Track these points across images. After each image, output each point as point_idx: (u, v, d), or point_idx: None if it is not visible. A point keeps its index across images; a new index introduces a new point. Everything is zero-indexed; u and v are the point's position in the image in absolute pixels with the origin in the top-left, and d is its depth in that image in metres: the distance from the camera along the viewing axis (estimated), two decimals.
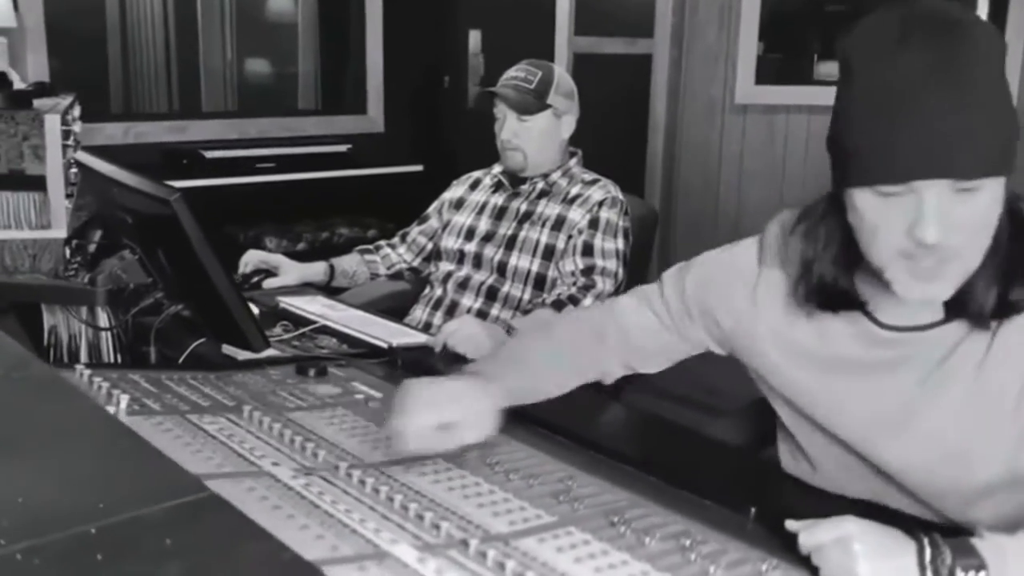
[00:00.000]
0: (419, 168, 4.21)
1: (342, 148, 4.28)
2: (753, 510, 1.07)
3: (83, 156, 1.62)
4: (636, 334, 1.31)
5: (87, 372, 1.26)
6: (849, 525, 0.92)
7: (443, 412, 1.10)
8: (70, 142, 2.12)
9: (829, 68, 4.95)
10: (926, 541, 0.90)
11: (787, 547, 0.98)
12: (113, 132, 3.93)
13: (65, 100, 2.39)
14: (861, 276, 1.12)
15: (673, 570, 0.91)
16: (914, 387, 1.12)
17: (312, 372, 1.46)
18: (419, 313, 2.03)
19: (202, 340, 1.60)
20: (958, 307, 1.07)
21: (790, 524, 0.97)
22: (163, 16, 5.07)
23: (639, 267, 2.11)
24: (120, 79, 5.07)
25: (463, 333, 1.57)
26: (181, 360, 1.58)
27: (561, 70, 2.03)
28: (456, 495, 1.04)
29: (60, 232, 1.91)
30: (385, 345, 1.60)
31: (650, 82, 4.59)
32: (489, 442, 1.21)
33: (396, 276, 2.20)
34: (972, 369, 1.09)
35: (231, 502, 0.87)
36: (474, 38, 4.62)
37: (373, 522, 0.92)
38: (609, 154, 4.87)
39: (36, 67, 3.62)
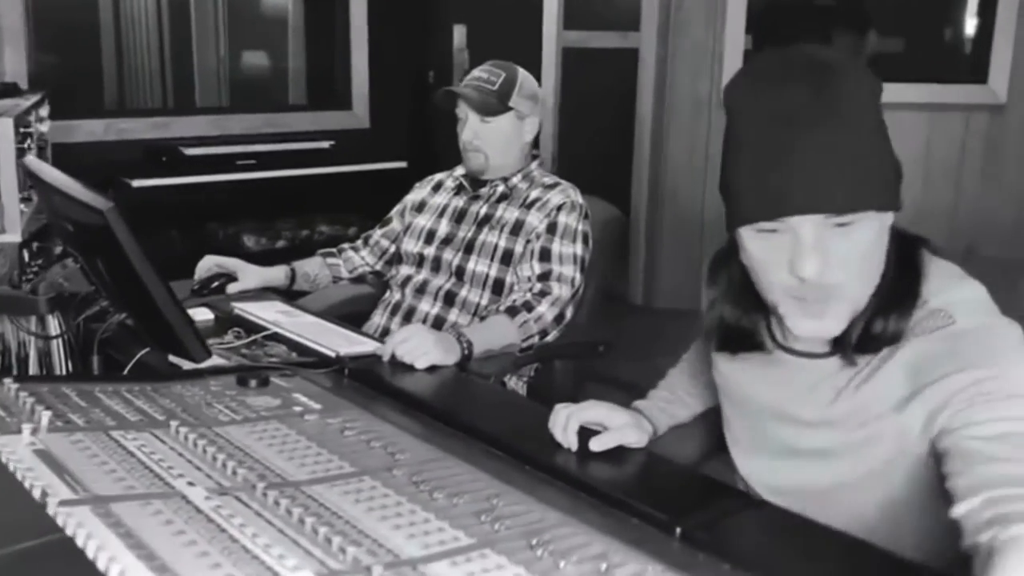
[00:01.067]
0: (403, 165, 4.19)
1: (325, 145, 4.26)
2: (679, 530, 1.05)
3: (30, 161, 1.60)
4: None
5: (14, 387, 1.25)
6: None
7: (595, 417, 1.25)
8: (27, 144, 2.10)
9: None
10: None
11: (711, 565, 0.97)
12: (94, 129, 3.91)
13: (28, 101, 2.37)
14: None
15: None
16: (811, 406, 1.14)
17: (253, 383, 1.44)
18: (378, 318, 2.01)
19: (148, 349, 1.58)
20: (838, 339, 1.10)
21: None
22: (156, 12, 5.07)
23: (606, 270, 2.09)
24: (114, 75, 5.07)
25: (411, 343, 1.55)
26: (127, 370, 1.56)
27: (526, 73, 2.00)
28: (374, 516, 1.02)
29: (14, 236, 1.90)
30: (333, 354, 1.58)
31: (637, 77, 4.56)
32: (423, 458, 1.20)
33: (359, 279, 2.18)
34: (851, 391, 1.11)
35: (130, 528, 0.86)
36: (459, 33, 4.60)
37: (279, 547, 0.91)
38: (596, 149, 4.85)
39: (14, 65, 3.60)
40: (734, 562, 0.98)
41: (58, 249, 2.07)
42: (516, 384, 1.93)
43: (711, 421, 1.47)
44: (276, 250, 3.67)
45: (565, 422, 1.24)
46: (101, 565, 0.83)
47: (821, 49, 1.06)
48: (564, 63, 4.82)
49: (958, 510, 0.89)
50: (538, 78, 5.20)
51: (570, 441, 1.23)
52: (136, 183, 3.51)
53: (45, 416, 1.15)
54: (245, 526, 0.94)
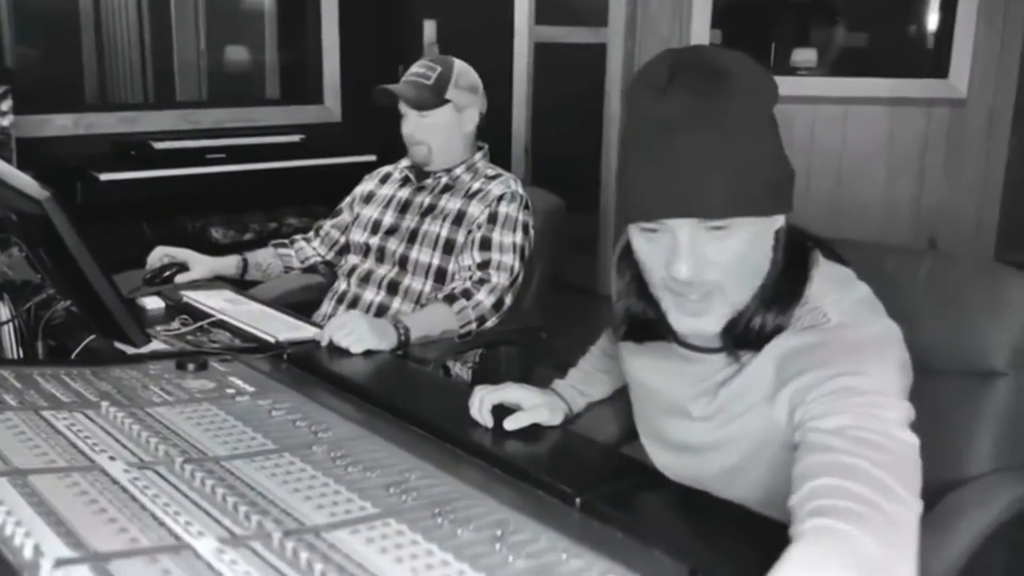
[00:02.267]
0: (373, 158, 4.23)
1: (295, 138, 4.30)
2: (579, 501, 1.11)
3: None
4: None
5: None
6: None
7: (509, 397, 1.33)
8: None
9: (805, 55, 4.99)
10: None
11: (606, 534, 1.03)
12: (64, 123, 3.94)
13: None
14: None
15: (473, 559, 0.94)
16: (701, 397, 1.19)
17: (192, 367, 1.49)
18: (325, 307, 2.06)
19: (95, 336, 1.63)
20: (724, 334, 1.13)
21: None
22: (136, 7, 5.11)
23: (550, 259, 2.14)
24: (94, 70, 5.11)
25: (346, 328, 1.60)
26: (75, 355, 1.61)
27: (464, 65, 2.05)
28: (286, 488, 1.07)
29: None
30: (273, 339, 1.63)
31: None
32: (345, 436, 1.26)
33: (311, 269, 2.23)
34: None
35: (44, 498, 0.91)
36: (429, 28, 4.64)
37: (187, 515, 0.96)
38: (568, 143, 4.90)
39: None
40: (629, 532, 1.04)
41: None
42: (461, 370, 1.99)
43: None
44: (244, 242, 3.70)
45: (479, 403, 1.30)
46: (8, 531, 0.88)
47: (720, 51, 1.08)
48: (536, 58, 4.87)
49: (789, 500, 0.93)
50: (510, 73, 5.20)
51: (484, 419, 1.29)
52: (104, 176, 3.54)
53: None
54: (158, 497, 1.00)
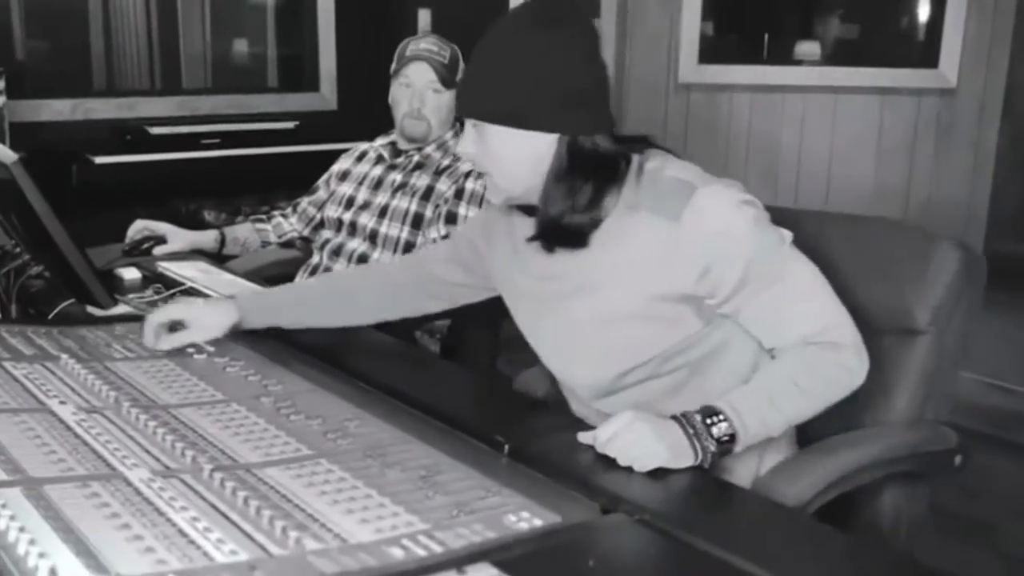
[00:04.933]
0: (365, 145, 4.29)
1: (289, 125, 4.36)
2: (507, 447, 1.16)
3: None
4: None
5: None
6: (629, 413, 1.14)
7: (171, 313, 1.44)
8: None
9: (808, 48, 5.02)
10: (679, 415, 1.16)
11: (530, 479, 1.08)
12: (61, 108, 4.01)
13: None
14: None
15: (395, 495, 0.99)
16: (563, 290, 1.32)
17: None
18: (299, 280, 2.11)
19: (71, 301, 1.69)
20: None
21: (581, 436, 1.18)
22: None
23: None
24: (102, 58, 5.20)
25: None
26: (51, 317, 1.67)
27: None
28: (227, 432, 1.13)
29: None
30: None
31: None
32: (294, 389, 1.31)
33: (288, 244, 2.29)
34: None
35: None
36: (423, 17, 4.69)
37: (125, 451, 1.02)
38: None
39: None
40: (551, 475, 1.09)
41: None
42: (428, 342, 2.04)
43: None
44: (235, 224, 3.76)
45: (147, 326, 1.42)
46: None
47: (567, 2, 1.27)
48: None
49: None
50: None
51: (147, 339, 1.42)
52: (99, 159, 3.61)
53: None
54: (101, 435, 1.05)
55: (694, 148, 4.57)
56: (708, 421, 1.14)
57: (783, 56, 4.78)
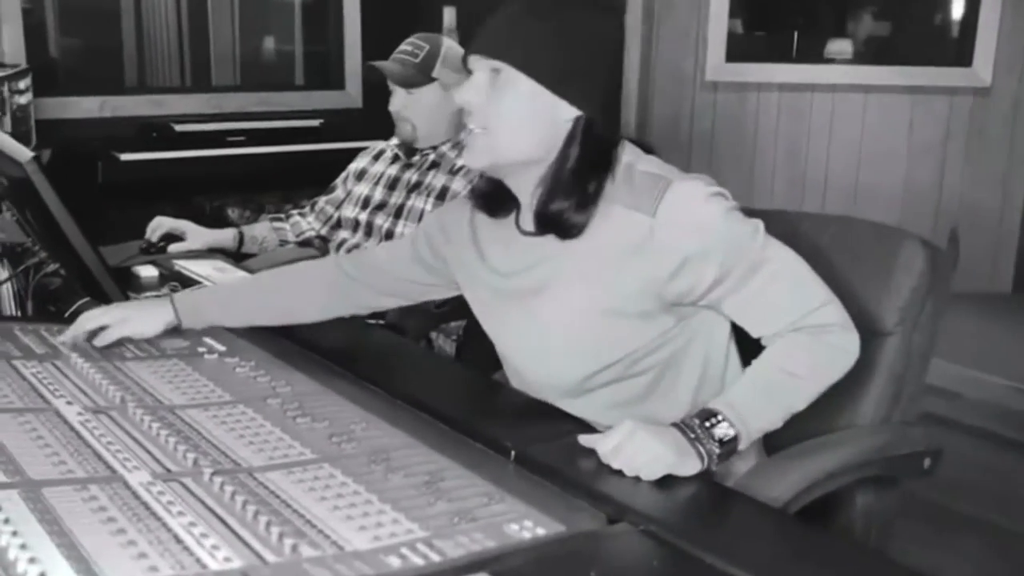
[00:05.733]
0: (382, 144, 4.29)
1: (314, 123, 4.37)
2: (513, 452, 1.14)
3: None
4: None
5: None
6: (628, 423, 1.11)
7: (100, 319, 1.40)
8: None
9: (840, 46, 4.95)
10: (678, 422, 1.13)
11: (535, 485, 1.06)
12: (89, 106, 4.05)
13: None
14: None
15: (396, 501, 0.98)
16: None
17: None
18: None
19: (88, 299, 1.70)
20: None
21: (582, 438, 1.15)
22: None
23: None
24: (134, 56, 5.26)
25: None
26: (66, 316, 1.68)
27: (452, 43, 2.08)
28: (232, 434, 1.12)
29: None
30: None
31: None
32: (302, 391, 1.30)
33: (305, 243, 2.29)
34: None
35: None
36: (448, 15, 4.68)
37: (127, 453, 1.01)
38: None
39: (12, 41, 3.73)
40: (557, 482, 1.07)
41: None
42: (444, 343, 2.03)
43: None
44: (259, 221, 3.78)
45: (74, 328, 1.39)
46: None
47: None
48: None
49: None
50: None
51: (71, 338, 1.39)
52: (125, 156, 3.64)
53: None
54: (104, 436, 1.05)
55: (721, 147, 4.52)
56: (707, 423, 1.12)
57: (813, 54, 4.71)
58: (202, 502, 0.92)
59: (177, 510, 0.89)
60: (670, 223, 1.19)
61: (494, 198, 1.32)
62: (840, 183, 4.38)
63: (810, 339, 1.19)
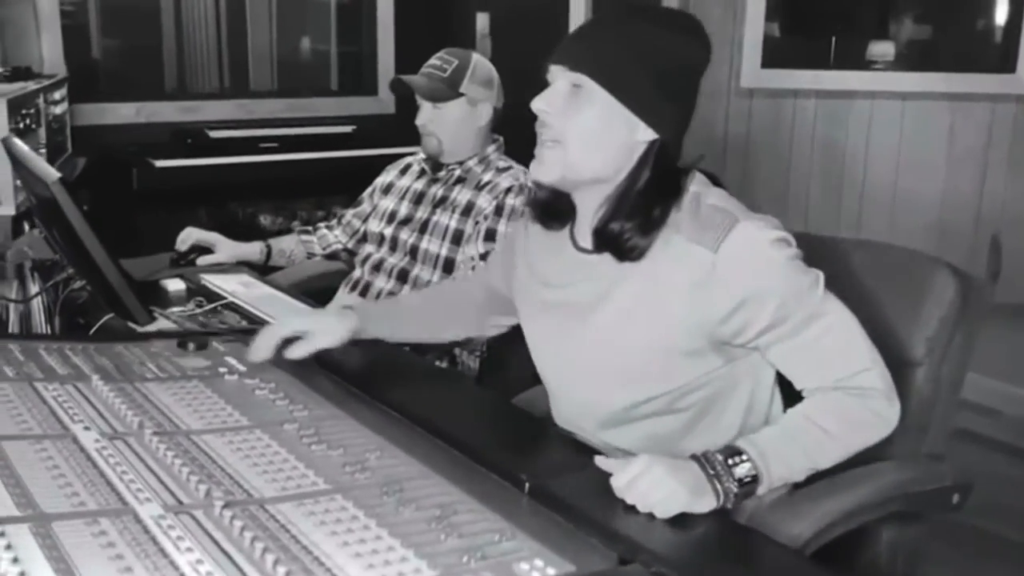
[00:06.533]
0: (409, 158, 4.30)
1: (347, 129, 4.39)
2: (527, 485, 1.13)
3: (7, 139, 1.75)
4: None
5: None
6: (645, 457, 1.09)
7: (294, 326, 1.45)
8: (24, 124, 2.26)
9: (882, 48, 4.87)
10: (699, 455, 1.11)
11: (548, 520, 1.05)
12: (126, 112, 4.10)
13: (34, 84, 2.54)
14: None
15: (406, 536, 0.97)
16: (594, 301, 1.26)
17: (192, 346, 1.55)
18: (341, 293, 2.12)
19: (113, 315, 1.72)
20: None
21: (599, 460, 1.15)
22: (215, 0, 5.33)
23: None
24: (174, 60, 5.35)
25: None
26: (92, 331, 1.70)
27: (481, 59, 2.08)
28: (246, 462, 1.12)
29: (8, 210, 2.05)
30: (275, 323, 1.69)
31: None
32: (320, 416, 1.30)
33: (333, 256, 2.29)
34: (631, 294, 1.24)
35: (10, 461, 0.97)
36: (481, 20, 4.68)
37: (140, 483, 1.02)
38: None
39: (51, 48, 3.79)
40: (569, 518, 1.05)
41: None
42: (468, 359, 2.02)
43: None
44: (291, 230, 3.80)
45: (266, 338, 1.43)
46: None
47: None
48: None
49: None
50: None
51: (260, 354, 1.43)
52: (159, 163, 3.68)
53: None
54: (119, 465, 1.05)
55: (756, 155, 4.47)
56: (730, 461, 1.10)
57: (852, 58, 4.63)
58: (211, 536, 0.92)
59: (185, 546, 0.89)
60: (732, 262, 1.17)
61: (551, 209, 1.31)
62: (877, 192, 4.30)
63: (850, 400, 1.17)
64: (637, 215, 1.19)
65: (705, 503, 1.07)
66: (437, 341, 1.57)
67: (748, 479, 1.10)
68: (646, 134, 1.20)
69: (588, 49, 1.20)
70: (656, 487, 1.07)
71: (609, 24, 1.22)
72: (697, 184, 1.24)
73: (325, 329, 1.46)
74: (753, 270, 1.17)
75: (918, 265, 1.35)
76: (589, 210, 1.26)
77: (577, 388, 1.32)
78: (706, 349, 1.21)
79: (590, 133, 1.19)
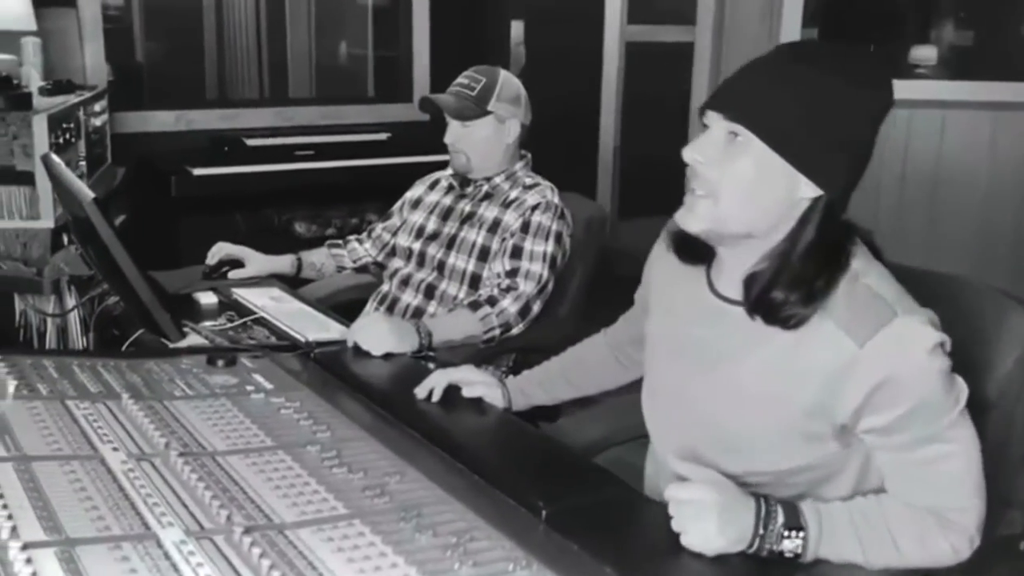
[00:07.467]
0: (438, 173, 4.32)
1: (382, 136, 4.42)
2: (544, 512, 1.14)
3: (47, 156, 1.79)
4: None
5: None
6: (711, 488, 1.07)
7: (447, 380, 1.48)
8: (64, 138, 2.31)
9: (925, 53, 4.80)
10: (763, 501, 1.07)
11: (564, 549, 1.05)
12: (165, 120, 4.17)
13: (75, 97, 2.60)
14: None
15: (421, 564, 0.98)
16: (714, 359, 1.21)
17: (221, 363, 1.58)
18: (370, 307, 2.14)
19: (143, 330, 1.75)
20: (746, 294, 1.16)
21: (677, 464, 1.14)
22: (255, 7, 5.41)
23: (591, 266, 2.16)
24: (215, 68, 5.45)
25: (367, 330, 1.67)
26: (125, 346, 1.73)
27: (508, 76, 2.09)
28: (269, 485, 1.14)
29: (47, 223, 2.11)
30: (303, 339, 1.71)
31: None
32: (344, 437, 1.32)
33: (362, 270, 2.31)
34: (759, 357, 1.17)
35: (39, 482, 1.00)
36: (516, 28, 4.69)
37: (163, 507, 1.04)
38: (657, 142, 4.88)
39: (93, 57, 3.87)
40: (585, 547, 1.06)
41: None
42: (494, 374, 2.03)
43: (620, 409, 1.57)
44: (326, 237, 3.84)
45: (433, 382, 1.48)
46: None
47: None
48: (627, 58, 4.86)
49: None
50: (599, 74, 5.19)
51: (422, 389, 1.47)
52: (197, 171, 3.74)
53: (12, 384, 1.31)
54: (144, 487, 1.08)
55: None
56: (785, 533, 1.06)
57: (891, 65, 4.57)
58: (229, 562, 0.94)
59: (205, 573, 0.91)
60: (878, 361, 1.08)
61: (690, 246, 1.24)
62: (915, 205, 4.24)
63: (936, 526, 1.11)
64: (800, 286, 1.11)
65: (734, 549, 1.06)
66: (586, 394, 1.60)
67: (790, 555, 1.07)
68: (809, 190, 1.11)
69: (746, 96, 1.11)
70: (697, 519, 1.05)
71: (772, 69, 1.13)
72: (860, 258, 1.14)
73: (482, 387, 1.52)
74: (898, 375, 1.08)
75: (992, 302, 1.29)
76: (735, 260, 1.18)
77: (679, 440, 1.25)
78: (828, 436, 1.15)
79: (745, 186, 1.11)
